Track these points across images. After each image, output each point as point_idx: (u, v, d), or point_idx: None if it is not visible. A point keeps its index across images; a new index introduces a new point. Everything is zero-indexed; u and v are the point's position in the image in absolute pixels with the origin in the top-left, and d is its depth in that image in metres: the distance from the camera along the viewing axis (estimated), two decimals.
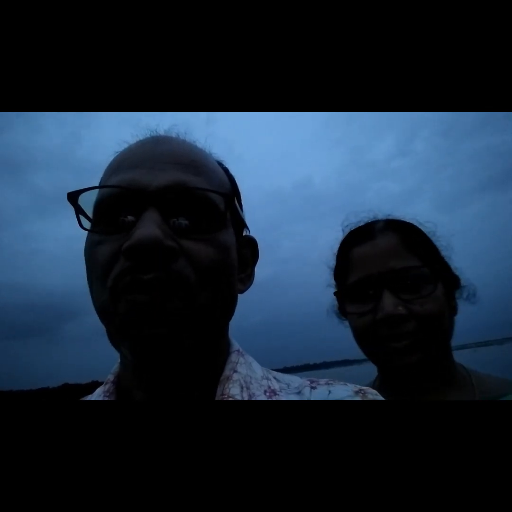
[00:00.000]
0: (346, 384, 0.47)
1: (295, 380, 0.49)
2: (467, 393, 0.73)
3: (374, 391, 0.46)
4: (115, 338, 0.40)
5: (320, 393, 0.45)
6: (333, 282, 0.85)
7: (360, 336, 0.74)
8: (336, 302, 0.85)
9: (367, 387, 0.46)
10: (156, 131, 0.49)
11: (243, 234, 0.52)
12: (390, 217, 0.81)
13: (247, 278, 0.51)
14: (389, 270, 0.70)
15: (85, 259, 0.43)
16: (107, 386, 0.47)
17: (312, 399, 0.45)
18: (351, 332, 0.80)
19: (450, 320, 0.75)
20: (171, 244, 0.38)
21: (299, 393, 0.46)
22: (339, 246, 0.83)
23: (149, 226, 0.37)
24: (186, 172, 0.42)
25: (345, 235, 0.83)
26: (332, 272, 0.85)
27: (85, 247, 0.43)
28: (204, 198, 0.41)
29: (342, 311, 0.83)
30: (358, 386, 0.46)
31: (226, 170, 0.52)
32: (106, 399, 0.45)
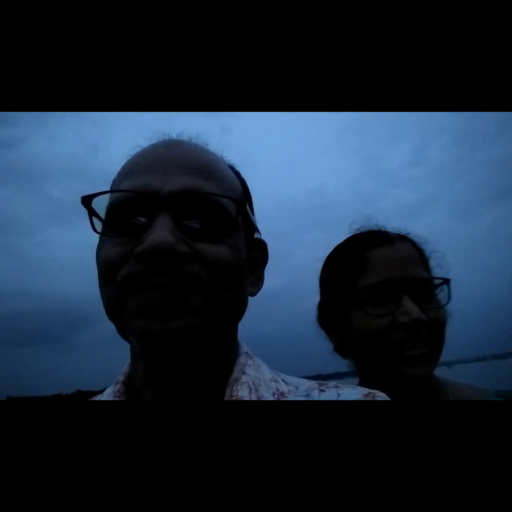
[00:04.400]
0: (355, 388, 0.46)
1: (303, 382, 0.49)
2: (443, 400, 0.75)
3: (383, 394, 0.45)
4: (124, 331, 0.41)
5: (329, 396, 0.45)
6: (318, 289, 0.84)
7: (372, 337, 0.71)
8: (317, 310, 0.84)
9: (376, 390, 0.46)
10: (168, 135, 0.50)
11: (254, 237, 0.53)
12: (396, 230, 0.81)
13: (257, 281, 0.52)
14: (410, 277, 0.71)
15: (96, 261, 0.44)
16: (117, 386, 0.47)
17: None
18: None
19: None
20: (183, 249, 0.38)
21: (307, 395, 0.46)
22: (350, 247, 0.81)
23: (161, 232, 0.37)
24: (198, 177, 0.42)
25: (354, 238, 0.82)
26: (325, 276, 0.84)
27: (97, 249, 0.44)
28: (215, 204, 0.42)
29: (327, 321, 0.82)
30: (367, 390, 0.46)
31: (237, 174, 0.52)
32: (116, 399, 0.45)
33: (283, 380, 0.48)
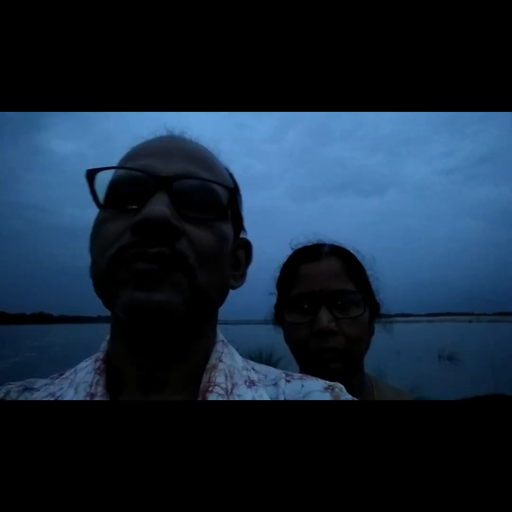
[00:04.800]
0: (317, 380, 0.50)
1: (271, 371, 0.52)
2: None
3: (340, 386, 0.49)
4: (110, 300, 0.42)
5: (294, 386, 0.49)
6: (275, 291, 0.95)
7: (296, 344, 0.83)
8: (273, 310, 0.96)
9: (335, 382, 0.50)
10: (171, 132, 0.53)
11: (240, 235, 0.56)
12: (335, 243, 0.92)
13: (240, 277, 0.54)
14: (328, 290, 0.81)
15: (92, 234, 0.46)
16: (97, 364, 0.47)
17: (286, 391, 0.48)
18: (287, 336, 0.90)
19: (368, 340, 0.88)
20: (177, 223, 0.41)
21: (275, 384, 0.49)
22: (288, 261, 0.93)
23: (158, 206, 0.40)
24: (196, 166, 0.46)
25: (294, 252, 0.94)
26: (276, 282, 0.95)
27: (94, 223, 0.46)
28: (210, 189, 0.45)
29: (278, 318, 0.93)
30: (328, 382, 0.50)
31: (231, 175, 0.55)
32: (97, 376, 0.45)
33: (253, 368, 0.52)
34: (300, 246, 0.94)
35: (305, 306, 0.83)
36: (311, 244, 0.93)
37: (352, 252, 0.90)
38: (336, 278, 0.82)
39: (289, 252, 0.95)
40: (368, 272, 0.90)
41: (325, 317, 0.78)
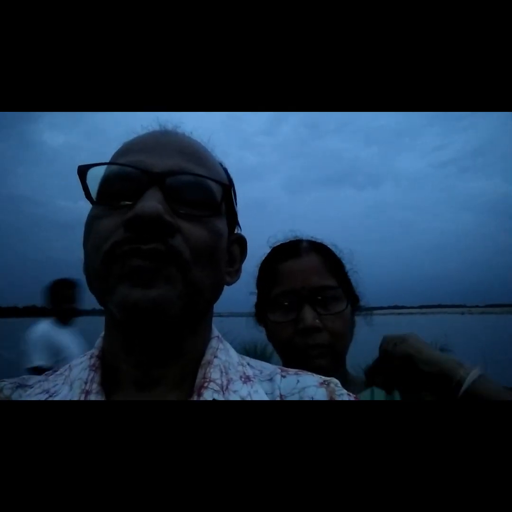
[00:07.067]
0: (313, 375, 0.50)
1: (267, 367, 0.52)
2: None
3: (336, 381, 0.50)
4: (105, 297, 0.41)
5: (290, 381, 0.49)
6: (255, 290, 0.94)
7: (281, 342, 0.83)
8: (254, 309, 0.95)
9: (331, 378, 0.50)
10: (164, 127, 0.52)
11: (235, 231, 0.56)
12: (313, 238, 0.92)
13: (235, 273, 0.54)
14: (310, 286, 0.81)
15: (85, 230, 0.45)
16: (92, 360, 0.47)
17: (282, 386, 0.48)
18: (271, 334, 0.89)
19: (351, 335, 0.87)
20: (170, 220, 0.40)
21: (270, 380, 0.49)
22: (266, 260, 0.92)
23: (151, 202, 0.39)
24: (189, 161, 0.45)
25: (272, 250, 0.92)
26: (256, 282, 0.94)
27: (87, 219, 0.45)
28: (203, 185, 0.45)
29: (260, 318, 0.93)
30: (323, 377, 0.50)
31: (225, 170, 0.55)
32: (92, 373, 0.45)
33: (248, 364, 0.52)
34: (277, 244, 0.94)
35: (288, 304, 0.82)
36: (288, 241, 0.93)
37: (330, 247, 0.91)
38: (316, 274, 0.82)
39: (267, 250, 0.94)
40: (347, 266, 0.91)
41: (309, 315, 0.78)
